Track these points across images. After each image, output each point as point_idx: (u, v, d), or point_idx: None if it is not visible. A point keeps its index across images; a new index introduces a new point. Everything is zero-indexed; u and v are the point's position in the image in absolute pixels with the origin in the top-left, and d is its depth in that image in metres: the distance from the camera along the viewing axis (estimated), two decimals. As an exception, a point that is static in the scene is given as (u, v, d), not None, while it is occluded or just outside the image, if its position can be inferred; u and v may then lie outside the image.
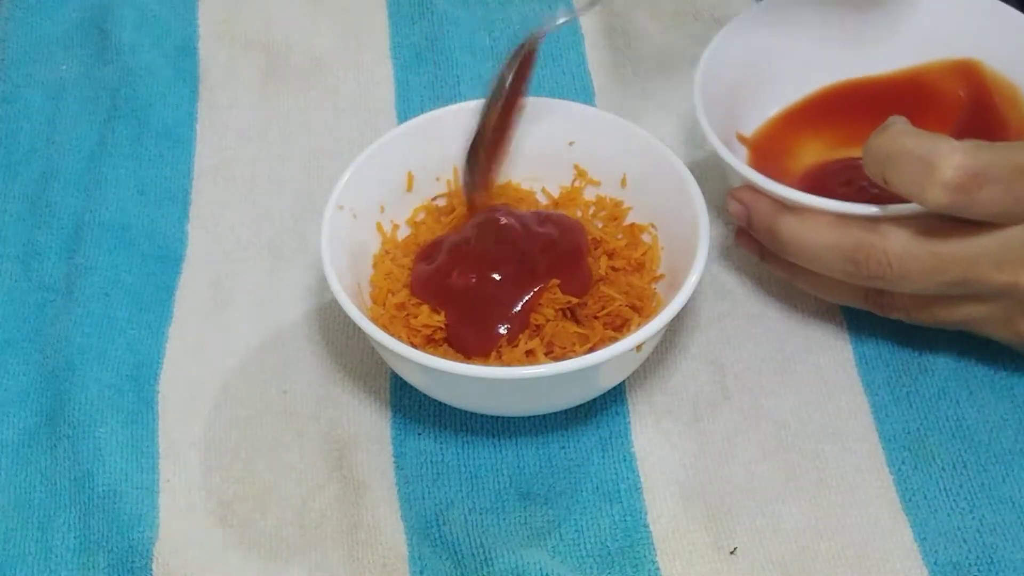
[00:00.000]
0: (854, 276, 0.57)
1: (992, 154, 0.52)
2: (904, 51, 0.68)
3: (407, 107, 0.75)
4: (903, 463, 0.60)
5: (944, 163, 0.52)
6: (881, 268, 0.56)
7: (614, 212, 0.65)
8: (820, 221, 0.58)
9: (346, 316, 0.57)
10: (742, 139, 0.66)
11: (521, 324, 0.60)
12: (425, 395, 0.62)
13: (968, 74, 0.66)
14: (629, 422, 0.62)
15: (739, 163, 0.61)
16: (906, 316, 0.60)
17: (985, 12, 0.66)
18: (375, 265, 0.63)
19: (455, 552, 0.57)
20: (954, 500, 0.58)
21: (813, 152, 0.67)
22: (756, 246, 0.62)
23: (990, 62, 0.66)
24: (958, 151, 0.52)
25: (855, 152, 0.66)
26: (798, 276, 0.61)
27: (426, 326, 0.60)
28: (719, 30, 0.66)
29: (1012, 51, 0.65)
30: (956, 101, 0.67)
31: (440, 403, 0.62)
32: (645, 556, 0.57)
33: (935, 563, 0.57)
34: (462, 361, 0.58)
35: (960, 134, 0.64)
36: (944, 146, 0.53)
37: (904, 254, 0.56)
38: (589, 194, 0.66)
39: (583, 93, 0.76)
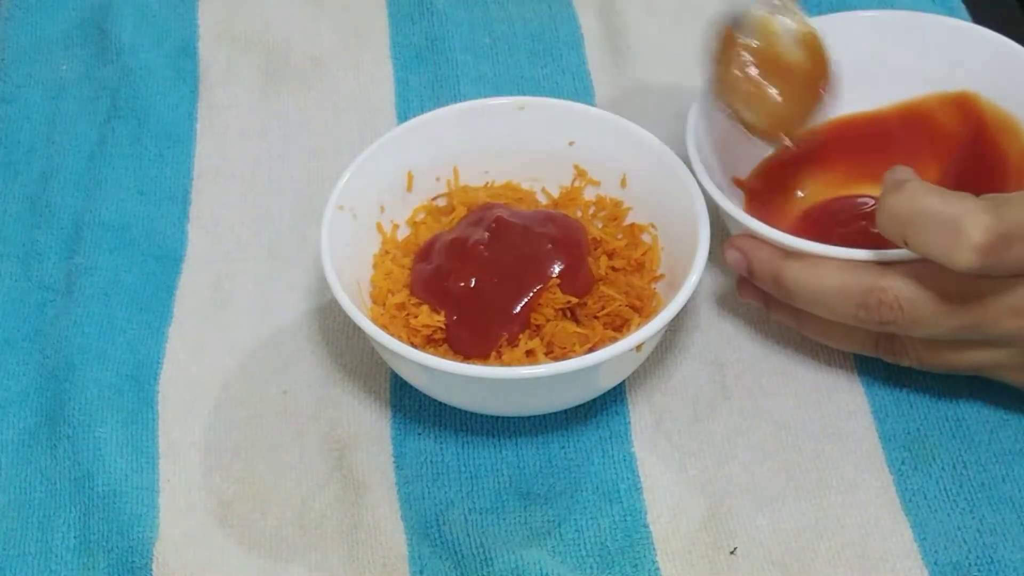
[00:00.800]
0: (865, 321, 0.56)
1: (1017, 211, 0.51)
2: (900, 85, 0.67)
3: (407, 107, 0.75)
4: (903, 463, 0.60)
5: (971, 225, 0.50)
6: (892, 313, 0.55)
7: (614, 212, 0.65)
8: (827, 266, 0.56)
9: (346, 316, 0.57)
10: (738, 183, 0.66)
11: (521, 324, 0.60)
12: (425, 395, 0.62)
13: (965, 107, 0.65)
14: (629, 422, 0.62)
15: (742, 213, 0.59)
16: (917, 363, 0.58)
17: (982, 43, 0.65)
18: (375, 265, 0.63)
19: (455, 552, 0.57)
20: (954, 500, 0.58)
21: (811, 191, 0.66)
22: (760, 295, 0.61)
23: (987, 94, 0.65)
24: (984, 211, 0.50)
25: (854, 190, 0.66)
26: (806, 324, 0.60)
27: (426, 326, 0.60)
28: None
29: (1010, 82, 0.64)
30: (954, 134, 0.66)
31: (440, 403, 0.62)
32: (645, 556, 0.57)
33: (935, 563, 0.57)
34: (462, 361, 0.58)
35: (958, 167, 0.64)
36: (970, 206, 0.51)
37: (915, 299, 0.55)
38: (589, 194, 0.66)
39: (583, 93, 0.76)
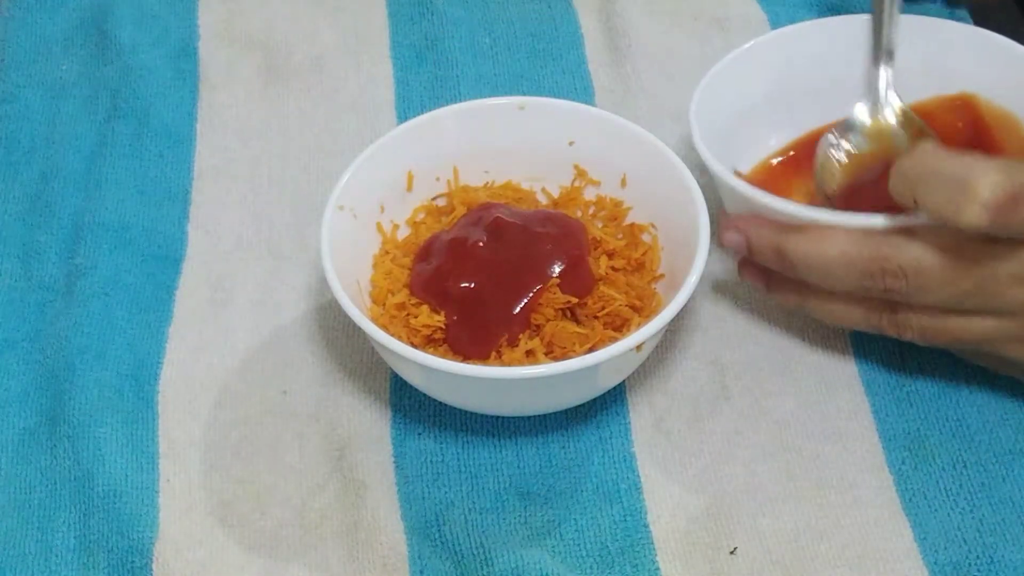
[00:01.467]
0: (870, 290, 0.56)
1: None
2: (900, 88, 0.67)
3: (407, 107, 0.75)
4: (903, 463, 0.60)
5: (981, 182, 0.50)
6: (897, 281, 0.55)
7: (614, 212, 0.65)
8: (831, 236, 0.56)
9: (346, 316, 0.57)
10: (740, 176, 0.66)
11: (521, 324, 0.60)
12: (425, 395, 0.62)
13: (965, 107, 0.66)
14: (629, 422, 0.62)
15: (751, 188, 0.59)
16: (920, 336, 0.58)
17: (982, 44, 0.65)
18: (375, 265, 0.63)
19: (455, 552, 0.57)
20: (954, 500, 0.58)
21: (812, 190, 0.67)
22: (762, 275, 0.61)
23: (987, 94, 0.65)
24: (994, 170, 0.51)
25: None
26: (809, 301, 0.60)
27: (426, 326, 0.60)
28: (710, 68, 0.65)
29: (1010, 82, 0.64)
30: (954, 134, 0.66)
31: (440, 403, 0.62)
32: (645, 556, 0.57)
33: (935, 563, 0.57)
34: (462, 361, 0.58)
35: None
36: (980, 165, 0.51)
37: (919, 265, 0.55)
38: (589, 194, 0.66)
39: (583, 93, 0.76)
